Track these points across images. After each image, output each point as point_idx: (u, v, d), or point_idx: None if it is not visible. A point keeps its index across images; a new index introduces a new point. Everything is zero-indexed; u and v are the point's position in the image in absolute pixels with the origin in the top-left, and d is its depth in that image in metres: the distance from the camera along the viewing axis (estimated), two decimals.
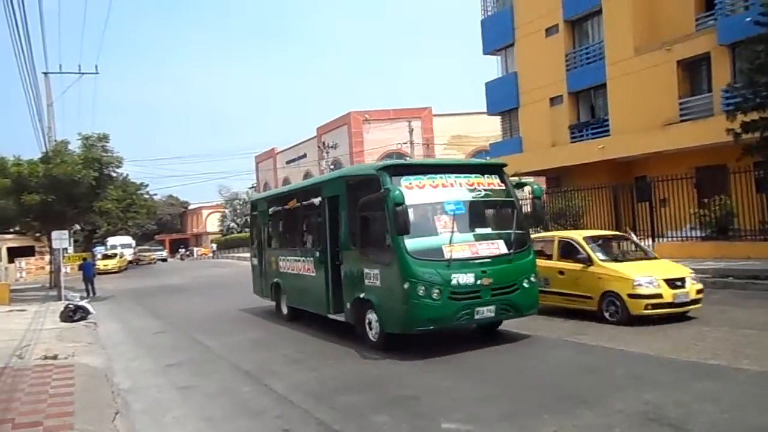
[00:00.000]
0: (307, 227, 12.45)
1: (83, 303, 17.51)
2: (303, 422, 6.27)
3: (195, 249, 72.32)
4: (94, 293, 23.94)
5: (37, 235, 30.38)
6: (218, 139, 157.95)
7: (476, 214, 9.71)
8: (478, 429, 5.69)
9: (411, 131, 42.34)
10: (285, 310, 13.37)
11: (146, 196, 39.59)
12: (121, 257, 48.03)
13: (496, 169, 10.05)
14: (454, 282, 8.56)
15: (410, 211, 8.43)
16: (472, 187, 9.42)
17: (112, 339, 13.06)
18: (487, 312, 8.86)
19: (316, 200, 11.33)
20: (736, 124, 16.60)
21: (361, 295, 9.43)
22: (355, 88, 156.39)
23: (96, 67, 42.24)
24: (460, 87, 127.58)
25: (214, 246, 65.35)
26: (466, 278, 8.61)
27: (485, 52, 32.06)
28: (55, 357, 10.10)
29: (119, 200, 32.24)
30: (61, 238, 21.90)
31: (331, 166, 49.00)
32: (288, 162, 65.51)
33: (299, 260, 12.23)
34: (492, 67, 32.38)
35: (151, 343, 12.35)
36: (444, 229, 8.83)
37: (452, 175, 9.37)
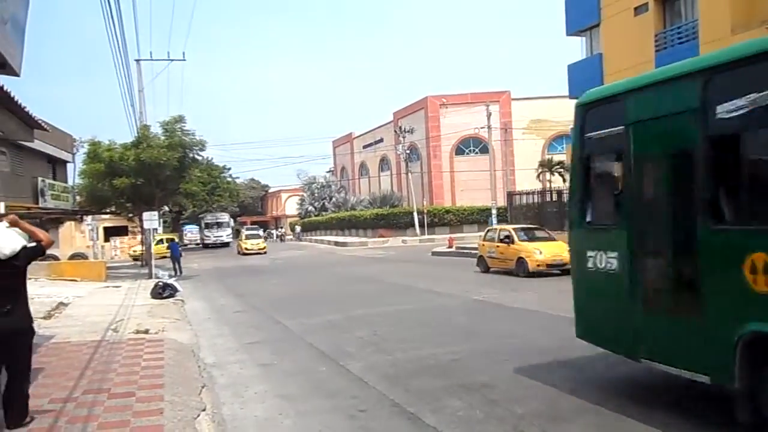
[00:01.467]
0: None
1: (171, 281, 18.43)
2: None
3: (274, 232, 74.40)
4: (180, 272, 25.19)
5: (130, 216, 32.06)
6: (297, 124, 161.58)
7: None
8: None
9: (489, 115, 41.44)
10: None
11: (229, 179, 41.12)
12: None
13: None
14: None
15: None
16: None
17: (197, 316, 13.70)
18: None
19: None
20: None
21: None
22: (433, 72, 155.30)
23: (183, 54, 44.65)
24: (541, 70, 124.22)
25: (298, 228, 66.42)
26: None
27: (569, 33, 30.87)
28: (146, 332, 10.70)
29: (204, 183, 33.49)
30: (151, 219, 23.19)
31: (407, 151, 48.90)
32: (365, 146, 66.06)
33: None
34: (575, 49, 31.07)
35: (234, 320, 12.88)
36: None
37: None
